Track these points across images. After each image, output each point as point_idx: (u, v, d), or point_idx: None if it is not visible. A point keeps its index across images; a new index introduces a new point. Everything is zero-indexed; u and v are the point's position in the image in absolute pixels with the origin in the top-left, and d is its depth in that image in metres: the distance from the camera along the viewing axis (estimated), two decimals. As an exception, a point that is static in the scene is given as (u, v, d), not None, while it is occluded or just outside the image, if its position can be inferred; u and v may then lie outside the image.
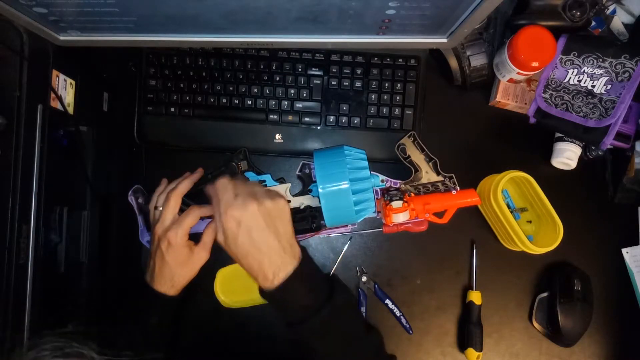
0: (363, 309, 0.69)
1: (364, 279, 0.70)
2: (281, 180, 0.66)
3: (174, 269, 0.56)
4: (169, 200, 0.58)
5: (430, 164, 0.65)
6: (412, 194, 0.64)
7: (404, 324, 0.69)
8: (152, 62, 0.67)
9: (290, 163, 0.70)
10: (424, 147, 0.65)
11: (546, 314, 0.69)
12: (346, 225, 0.66)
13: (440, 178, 0.65)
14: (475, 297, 0.68)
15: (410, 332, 0.70)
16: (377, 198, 0.65)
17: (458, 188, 0.64)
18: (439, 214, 0.64)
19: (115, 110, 0.68)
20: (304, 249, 0.54)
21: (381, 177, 0.65)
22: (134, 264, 0.69)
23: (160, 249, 0.56)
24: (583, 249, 0.71)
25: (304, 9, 0.48)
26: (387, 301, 0.69)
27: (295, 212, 0.65)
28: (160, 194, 0.60)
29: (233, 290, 0.69)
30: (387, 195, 0.63)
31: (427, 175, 0.65)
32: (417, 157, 0.65)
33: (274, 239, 0.51)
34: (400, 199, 0.62)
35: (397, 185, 0.65)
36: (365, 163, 0.61)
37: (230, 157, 0.65)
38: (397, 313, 0.69)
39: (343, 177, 0.58)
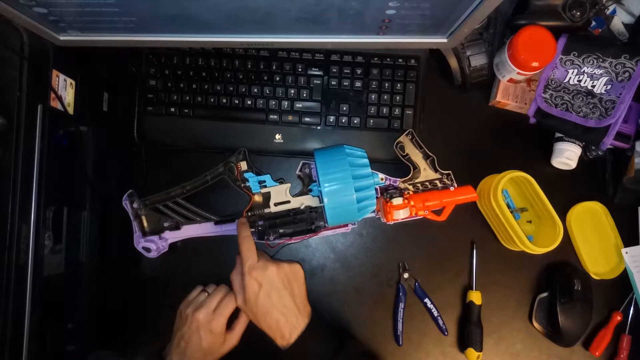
0: (402, 305, 0.69)
1: (405, 275, 0.70)
2: (281, 181, 0.65)
3: (207, 355, 0.59)
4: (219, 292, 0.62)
5: (428, 161, 0.65)
6: (411, 192, 0.64)
7: (440, 324, 0.69)
8: (152, 62, 0.67)
9: (290, 163, 0.70)
10: (422, 144, 0.65)
11: (546, 314, 0.69)
12: (346, 225, 0.66)
13: (437, 175, 0.65)
14: (475, 297, 0.68)
15: (446, 333, 0.69)
16: (376, 197, 0.65)
17: (455, 185, 0.64)
18: (438, 212, 0.64)
19: (115, 110, 0.68)
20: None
21: (380, 175, 0.65)
22: (134, 265, 0.69)
23: (198, 335, 0.59)
24: (583, 249, 0.71)
25: (304, 9, 0.48)
26: (426, 300, 0.69)
27: (295, 212, 0.65)
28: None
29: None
30: (386, 193, 0.63)
31: (425, 172, 0.65)
32: (415, 154, 0.65)
33: (290, 299, 0.57)
34: (400, 196, 0.62)
35: (396, 184, 0.65)
36: (366, 161, 0.61)
37: (229, 158, 0.65)
38: (435, 313, 0.69)
39: (346, 175, 0.58)
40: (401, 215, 0.61)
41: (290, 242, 0.67)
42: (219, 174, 0.65)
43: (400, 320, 0.69)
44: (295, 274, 0.59)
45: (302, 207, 0.65)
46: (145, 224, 0.65)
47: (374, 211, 0.63)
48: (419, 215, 0.63)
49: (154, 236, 0.65)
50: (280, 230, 0.64)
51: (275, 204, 0.64)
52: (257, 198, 0.65)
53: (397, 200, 0.62)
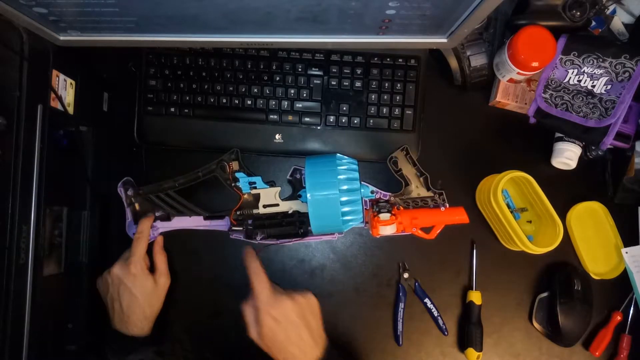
0: (402, 305, 0.69)
1: (405, 275, 0.70)
2: (271, 184, 0.66)
3: (144, 302, 0.59)
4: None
5: (421, 179, 0.65)
6: (401, 208, 0.64)
7: (440, 324, 0.69)
8: (152, 62, 0.67)
9: (290, 163, 0.70)
10: (416, 161, 0.65)
11: (546, 314, 0.69)
12: (333, 233, 0.66)
13: (430, 194, 0.64)
14: (475, 297, 0.68)
15: (446, 333, 0.69)
16: (365, 208, 0.65)
17: (447, 205, 0.64)
18: (427, 230, 0.64)
19: (115, 110, 0.68)
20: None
21: (371, 188, 0.65)
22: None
23: (125, 286, 0.58)
24: (583, 249, 0.71)
25: (304, 9, 0.48)
26: (426, 300, 0.69)
27: (283, 216, 0.65)
28: None
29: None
30: (375, 206, 0.63)
31: (417, 189, 0.65)
32: (408, 170, 0.65)
33: (307, 333, 0.55)
34: (389, 211, 0.62)
35: (387, 198, 0.65)
36: (357, 174, 0.61)
37: (222, 156, 0.65)
38: (435, 313, 0.69)
39: (333, 187, 0.58)
40: (388, 231, 0.61)
41: (276, 243, 0.67)
42: (210, 171, 0.65)
43: (400, 320, 0.69)
44: (311, 306, 0.57)
45: (290, 212, 0.65)
46: (137, 212, 0.66)
47: (362, 222, 0.63)
48: (407, 232, 0.63)
49: None
50: (268, 231, 0.65)
51: (264, 206, 0.65)
52: (247, 198, 0.65)
53: (384, 216, 0.61)
